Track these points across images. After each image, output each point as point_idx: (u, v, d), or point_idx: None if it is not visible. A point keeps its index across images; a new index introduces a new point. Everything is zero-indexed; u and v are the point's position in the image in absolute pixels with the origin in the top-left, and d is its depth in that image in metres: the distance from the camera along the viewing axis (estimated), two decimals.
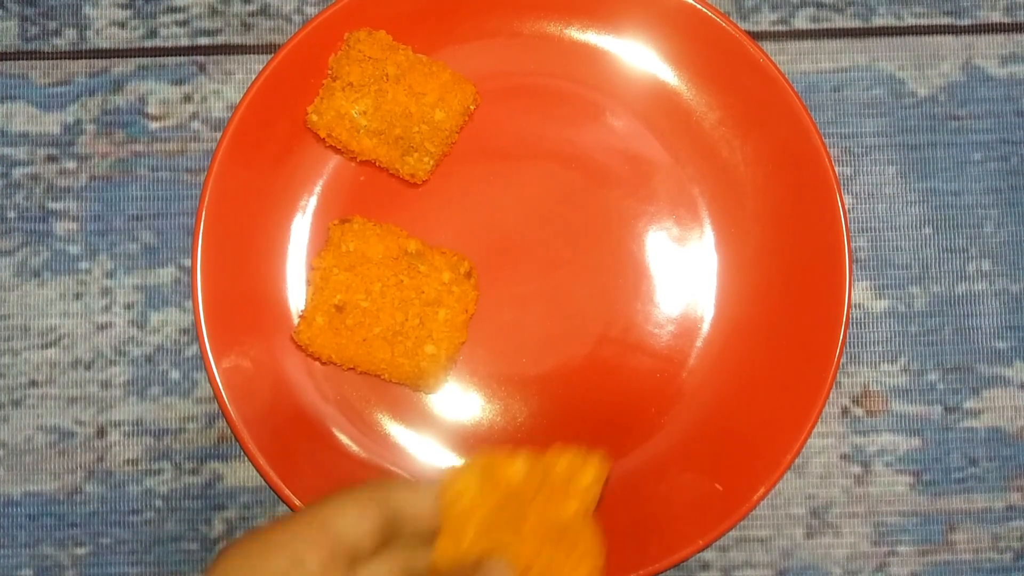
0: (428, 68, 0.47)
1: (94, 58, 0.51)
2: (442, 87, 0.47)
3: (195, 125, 0.51)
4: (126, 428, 0.49)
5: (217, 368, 0.46)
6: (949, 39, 0.52)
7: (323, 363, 0.47)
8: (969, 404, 0.50)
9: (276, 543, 0.33)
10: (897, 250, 0.51)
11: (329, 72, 0.48)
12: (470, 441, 0.48)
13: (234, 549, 0.33)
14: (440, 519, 0.36)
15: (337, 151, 0.48)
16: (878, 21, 0.52)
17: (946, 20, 0.53)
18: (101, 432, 0.49)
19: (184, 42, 0.52)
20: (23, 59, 0.51)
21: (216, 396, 0.46)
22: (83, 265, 0.50)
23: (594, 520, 0.38)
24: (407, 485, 0.36)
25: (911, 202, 0.51)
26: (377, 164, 0.48)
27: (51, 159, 0.51)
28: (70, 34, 0.52)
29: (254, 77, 0.48)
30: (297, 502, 0.45)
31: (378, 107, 0.47)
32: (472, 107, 0.48)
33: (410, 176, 0.48)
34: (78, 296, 0.50)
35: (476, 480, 0.37)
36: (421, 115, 0.47)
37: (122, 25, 0.52)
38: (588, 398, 0.48)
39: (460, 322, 0.46)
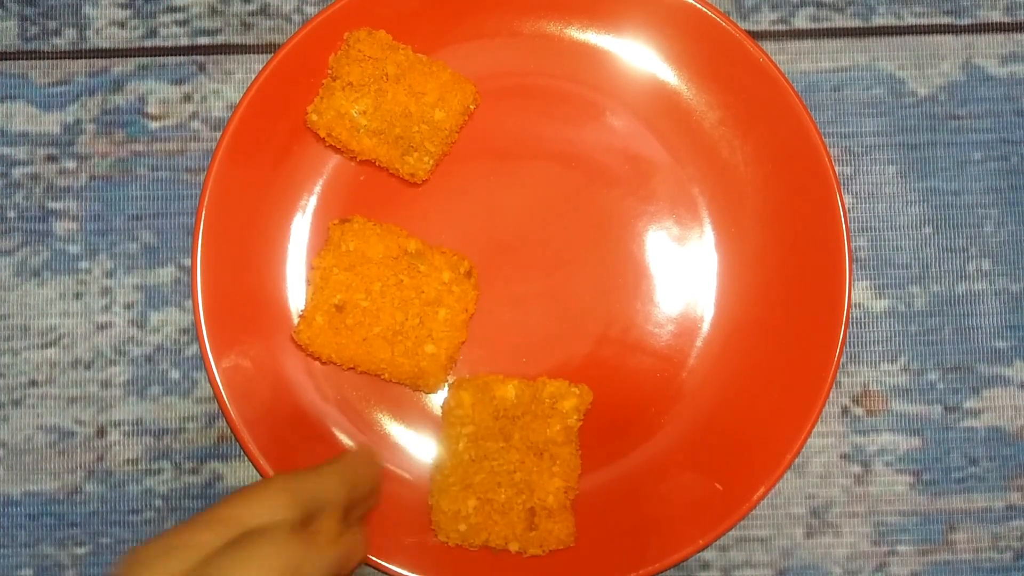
0: (428, 68, 0.47)
1: (94, 58, 0.51)
2: (442, 87, 0.47)
3: (195, 125, 0.51)
4: (126, 428, 0.49)
5: (217, 368, 0.46)
6: (949, 38, 0.52)
7: (323, 363, 0.47)
8: (969, 404, 0.50)
9: (176, 544, 0.32)
10: (897, 250, 0.51)
11: (329, 72, 0.48)
12: None
13: (134, 553, 0.33)
14: (349, 495, 0.39)
15: (337, 151, 0.48)
16: (878, 20, 0.52)
17: (946, 19, 0.52)
18: (101, 432, 0.49)
19: (184, 42, 0.52)
20: (23, 59, 0.51)
21: (216, 396, 0.46)
22: (83, 265, 0.50)
23: (575, 443, 0.46)
24: (313, 472, 0.38)
25: (911, 202, 0.51)
26: (377, 164, 0.48)
27: (51, 159, 0.51)
28: (70, 34, 0.52)
29: (254, 77, 0.48)
30: None
31: (378, 107, 0.47)
32: (472, 107, 0.48)
33: (410, 176, 0.48)
34: (78, 296, 0.50)
35: (472, 396, 0.45)
36: (421, 115, 0.47)
37: (122, 25, 0.52)
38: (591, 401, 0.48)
39: (460, 322, 0.46)
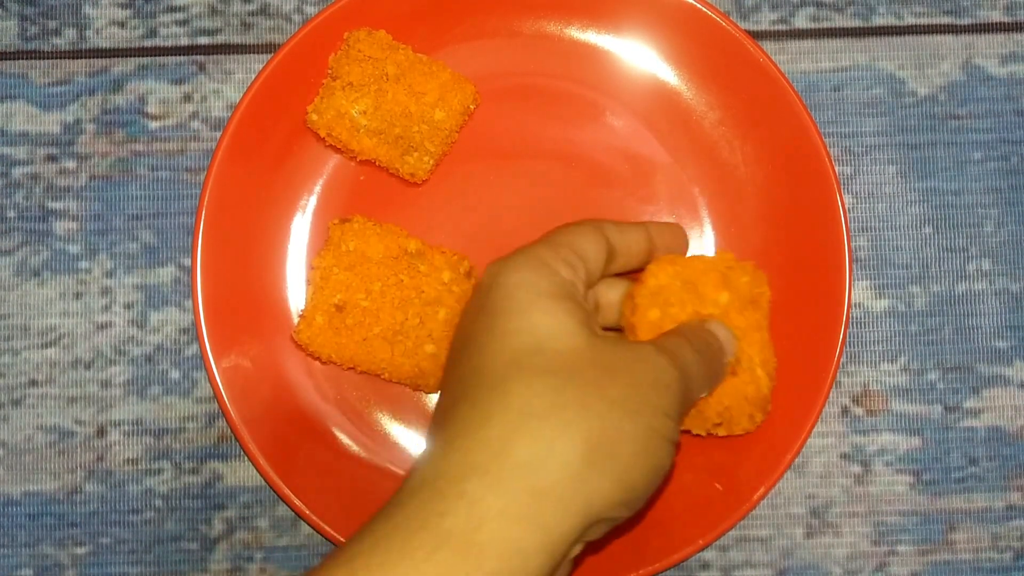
0: (428, 68, 0.47)
1: (94, 57, 0.51)
2: (442, 87, 0.47)
3: (195, 124, 0.51)
4: (126, 428, 0.49)
5: (217, 368, 0.46)
6: (949, 38, 0.52)
7: (323, 363, 0.47)
8: (969, 403, 0.50)
9: (530, 257, 0.37)
10: (897, 249, 0.51)
11: (329, 72, 0.48)
12: None
13: (497, 263, 0.38)
14: (644, 258, 0.42)
15: (337, 150, 0.48)
16: (878, 20, 0.52)
17: (946, 19, 0.52)
18: (101, 432, 0.49)
19: (184, 42, 0.52)
20: (23, 59, 0.51)
21: (216, 396, 0.46)
22: (83, 264, 0.50)
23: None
24: (617, 225, 0.41)
25: (911, 201, 0.51)
26: (377, 164, 0.48)
27: (51, 158, 0.51)
28: (70, 34, 0.52)
29: (254, 77, 0.48)
30: (297, 502, 0.45)
31: (378, 107, 0.47)
32: (472, 107, 0.48)
33: (410, 176, 0.48)
34: (78, 296, 0.50)
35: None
36: (421, 115, 0.47)
37: (122, 25, 0.52)
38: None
39: None
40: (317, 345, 0.46)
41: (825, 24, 0.52)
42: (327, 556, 0.32)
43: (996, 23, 0.53)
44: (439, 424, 0.35)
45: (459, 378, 0.35)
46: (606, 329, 0.42)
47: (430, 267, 0.46)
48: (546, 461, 0.32)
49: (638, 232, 0.42)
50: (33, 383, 0.49)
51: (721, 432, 0.44)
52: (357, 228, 0.46)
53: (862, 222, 0.51)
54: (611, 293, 0.42)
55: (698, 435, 0.45)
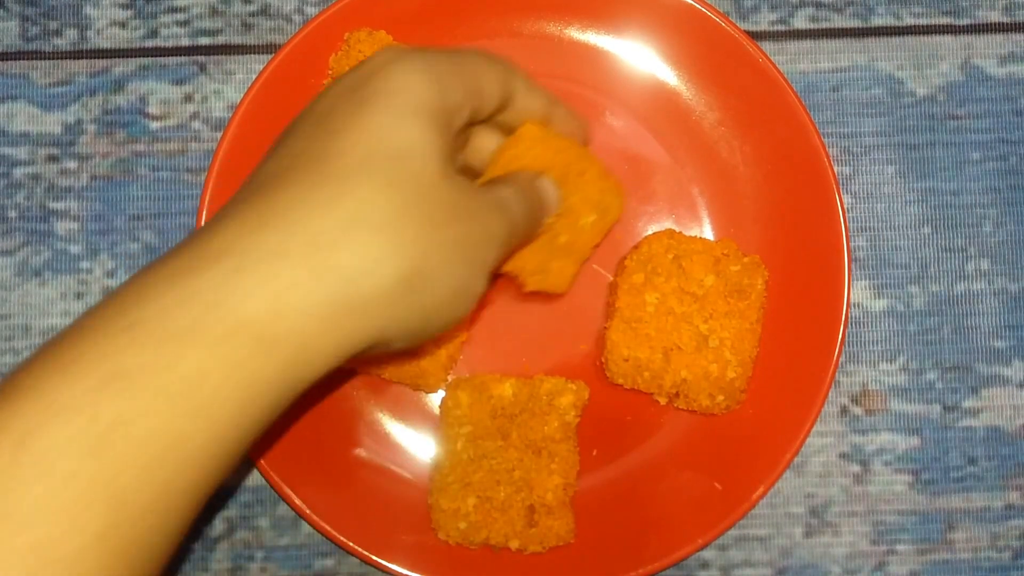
0: None
1: (95, 58, 0.52)
2: None
3: (196, 125, 0.51)
4: None
5: None
6: (948, 39, 0.52)
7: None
8: (968, 403, 0.50)
9: (429, 65, 0.34)
10: (896, 249, 0.51)
11: (330, 72, 0.48)
12: None
13: (395, 50, 0.35)
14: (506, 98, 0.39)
15: None
16: (877, 21, 0.52)
17: (945, 20, 0.53)
18: None
19: (185, 42, 0.52)
20: (24, 59, 0.52)
21: None
22: (84, 265, 0.50)
23: (573, 440, 0.46)
24: (526, 83, 0.40)
25: (910, 202, 0.52)
26: None
27: (52, 159, 0.51)
28: (71, 34, 0.52)
29: (255, 77, 0.48)
30: (298, 501, 0.45)
31: None
32: None
33: None
34: (79, 296, 0.50)
35: (469, 396, 0.46)
36: None
37: (123, 25, 0.52)
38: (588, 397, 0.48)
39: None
40: None
41: (824, 24, 0.52)
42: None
43: (995, 23, 0.53)
44: (262, 183, 0.33)
45: (303, 149, 0.33)
46: (464, 171, 0.41)
47: None
48: (366, 274, 0.31)
49: (541, 102, 0.40)
50: None
51: (680, 404, 0.46)
52: None
53: (861, 222, 0.51)
54: (487, 140, 0.41)
55: (691, 439, 0.46)
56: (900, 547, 0.49)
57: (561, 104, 0.42)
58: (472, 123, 0.37)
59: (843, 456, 0.50)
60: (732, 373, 0.45)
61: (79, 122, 0.51)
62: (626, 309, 0.46)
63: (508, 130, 0.40)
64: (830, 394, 0.49)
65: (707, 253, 0.46)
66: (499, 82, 0.37)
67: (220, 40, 0.52)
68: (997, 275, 0.51)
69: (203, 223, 0.46)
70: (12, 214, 0.50)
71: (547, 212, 0.40)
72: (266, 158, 0.35)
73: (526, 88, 0.39)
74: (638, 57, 0.50)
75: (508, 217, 0.36)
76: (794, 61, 0.52)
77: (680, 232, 0.47)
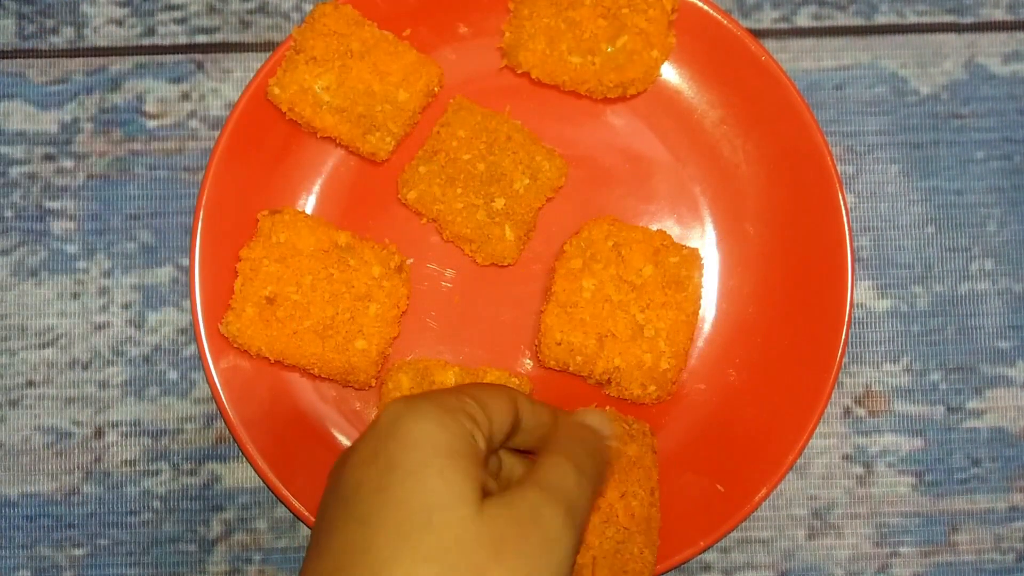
0: (393, 47, 0.47)
1: (92, 56, 0.51)
2: (406, 67, 0.47)
3: (193, 123, 0.51)
4: (124, 429, 0.49)
5: (215, 368, 0.46)
6: (952, 37, 0.52)
7: (252, 356, 0.46)
8: (972, 404, 0.50)
9: (434, 405, 0.34)
10: (899, 249, 0.51)
11: (292, 44, 0.47)
12: None
13: (400, 404, 0.34)
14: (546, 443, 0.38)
15: (297, 126, 0.48)
16: (880, 19, 0.52)
17: (948, 18, 0.52)
18: (99, 433, 0.49)
19: (182, 40, 0.51)
20: (20, 57, 0.51)
21: (214, 396, 0.46)
22: (80, 264, 0.50)
23: None
24: (530, 401, 0.39)
25: (913, 201, 0.51)
26: (338, 141, 0.47)
27: (48, 158, 0.50)
28: (68, 32, 0.51)
29: (252, 75, 0.48)
30: (296, 503, 0.45)
31: (341, 83, 0.46)
32: (436, 89, 0.48)
33: (371, 155, 0.47)
34: (75, 296, 0.50)
35: (410, 379, 0.45)
36: (384, 94, 0.47)
37: (120, 23, 0.51)
38: (588, 397, 0.48)
39: (391, 317, 0.46)
40: (246, 337, 0.45)
41: (827, 22, 0.52)
42: None
43: (998, 22, 0.52)
44: None
45: (343, 545, 0.33)
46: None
47: (359, 261, 0.46)
48: None
49: (548, 416, 0.39)
50: (30, 384, 0.49)
51: (612, 392, 0.46)
52: (288, 219, 0.46)
53: (864, 221, 0.51)
54: (517, 468, 0.40)
55: (693, 441, 0.46)
56: (904, 549, 0.49)
57: (567, 412, 0.41)
58: (493, 447, 0.37)
59: (846, 458, 0.49)
60: (666, 364, 0.45)
61: (76, 121, 0.51)
62: (562, 293, 0.46)
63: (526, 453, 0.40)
64: (833, 395, 0.49)
65: (647, 243, 0.46)
66: (504, 402, 0.37)
67: (218, 38, 0.51)
68: (1001, 275, 0.51)
69: (200, 225, 0.46)
70: (8, 213, 0.50)
71: (604, 439, 0.39)
72: (310, 558, 0.35)
73: (530, 407, 0.38)
74: None
75: (561, 498, 0.35)
76: (797, 59, 0.52)
77: (620, 220, 0.47)
